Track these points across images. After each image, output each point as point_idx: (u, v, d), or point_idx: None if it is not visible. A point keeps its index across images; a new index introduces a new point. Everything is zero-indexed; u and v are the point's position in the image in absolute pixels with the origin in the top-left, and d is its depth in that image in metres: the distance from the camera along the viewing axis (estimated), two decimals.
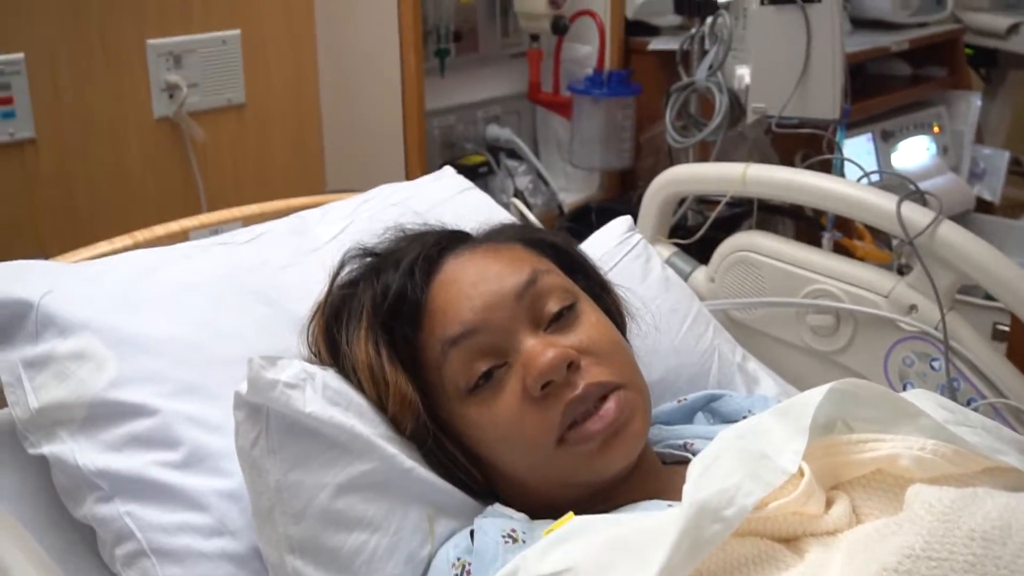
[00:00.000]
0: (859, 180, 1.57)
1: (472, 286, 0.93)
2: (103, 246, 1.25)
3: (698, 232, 1.69)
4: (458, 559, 0.86)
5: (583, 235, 1.34)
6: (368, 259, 1.02)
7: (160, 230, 1.32)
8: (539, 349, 0.89)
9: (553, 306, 0.93)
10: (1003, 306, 1.33)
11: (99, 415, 0.97)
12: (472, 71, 2.33)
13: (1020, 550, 0.66)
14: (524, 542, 0.85)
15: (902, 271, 1.48)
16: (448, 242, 1.00)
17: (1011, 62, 2.83)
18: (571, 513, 0.84)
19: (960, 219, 2.23)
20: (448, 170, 1.45)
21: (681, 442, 1.03)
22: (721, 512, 0.70)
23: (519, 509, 0.91)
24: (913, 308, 1.38)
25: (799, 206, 1.83)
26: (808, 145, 2.00)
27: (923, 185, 1.50)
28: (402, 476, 0.89)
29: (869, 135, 2.48)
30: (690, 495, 0.72)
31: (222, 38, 2.04)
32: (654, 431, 1.04)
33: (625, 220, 1.37)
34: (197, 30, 2.00)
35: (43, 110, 1.82)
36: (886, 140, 2.51)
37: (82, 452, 0.96)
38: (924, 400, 0.84)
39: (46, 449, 0.98)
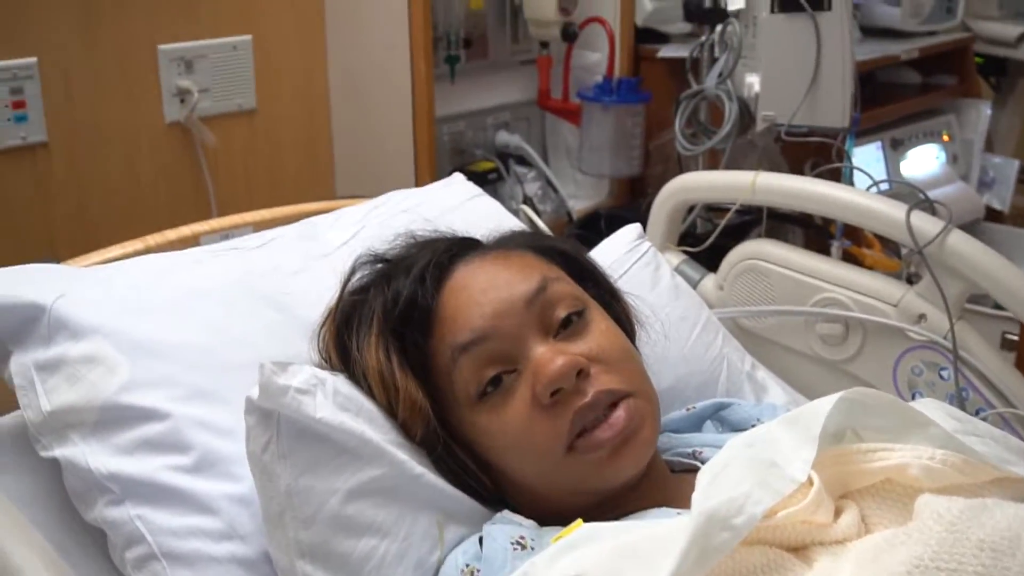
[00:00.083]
0: (868, 189, 1.57)
1: (482, 293, 0.93)
2: (115, 250, 1.25)
3: (707, 240, 1.69)
4: (467, 565, 0.87)
5: (592, 242, 1.34)
6: (379, 265, 1.02)
7: (172, 234, 1.32)
8: (549, 356, 0.89)
9: (563, 313, 0.93)
10: (1012, 315, 1.33)
11: (110, 419, 0.97)
12: (482, 77, 2.34)
13: None
14: (533, 549, 0.85)
15: (911, 280, 1.48)
16: (458, 249, 1.00)
17: (1021, 71, 2.84)
18: (580, 520, 0.84)
19: (969, 228, 2.24)
20: (458, 177, 1.45)
21: (690, 450, 1.03)
22: (730, 520, 0.70)
23: (528, 516, 0.92)
24: (922, 317, 1.38)
25: (808, 214, 1.84)
26: (817, 153, 2.00)
27: (932, 194, 1.50)
28: (412, 482, 0.90)
29: (879, 143, 2.48)
30: (699, 503, 0.72)
31: (233, 44, 2.05)
32: (663, 439, 1.04)
33: (635, 228, 1.37)
34: (208, 35, 2.01)
35: (55, 114, 1.83)
36: (895, 148, 2.52)
37: (93, 455, 0.96)
38: (933, 410, 0.84)
39: (58, 452, 0.98)
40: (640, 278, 1.28)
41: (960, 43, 2.71)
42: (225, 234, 1.34)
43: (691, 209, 1.80)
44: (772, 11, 1.83)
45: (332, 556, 0.86)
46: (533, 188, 2.32)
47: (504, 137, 2.37)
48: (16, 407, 1.02)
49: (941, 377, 1.36)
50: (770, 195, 1.54)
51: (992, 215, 2.63)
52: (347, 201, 1.45)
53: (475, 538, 0.89)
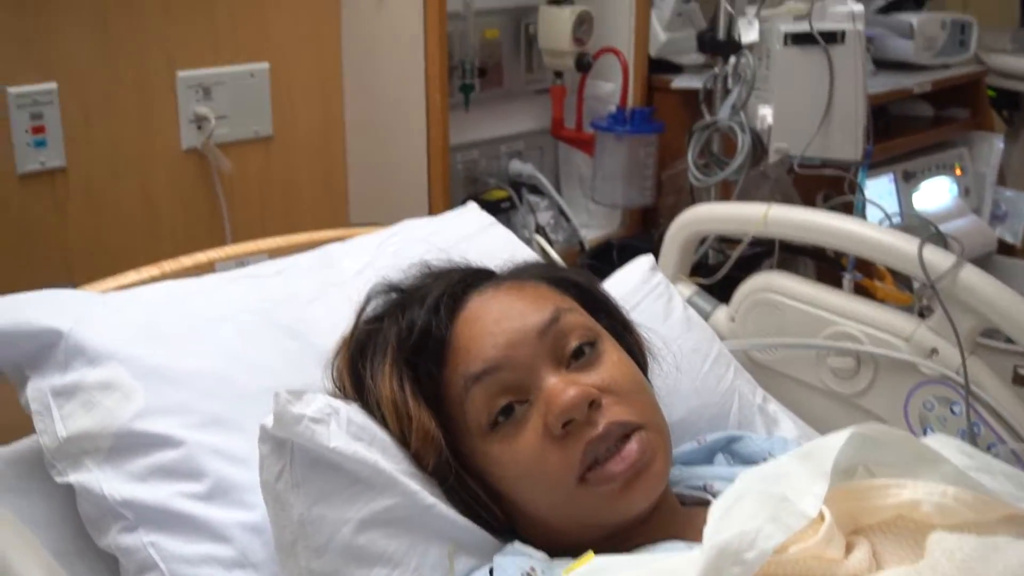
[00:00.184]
0: (880, 222, 1.58)
1: (495, 323, 0.94)
2: (131, 275, 1.26)
3: (719, 271, 1.69)
4: None
5: (604, 271, 1.34)
6: (393, 295, 1.03)
7: (187, 261, 1.33)
8: (561, 387, 0.89)
9: (575, 344, 0.93)
10: None
11: (125, 445, 0.98)
12: (496, 106, 2.35)
13: None
14: None
15: (923, 314, 1.48)
16: (472, 279, 1.00)
17: None
18: (591, 552, 0.84)
19: (982, 261, 2.24)
20: (472, 206, 1.46)
21: (701, 483, 1.03)
22: (741, 555, 0.70)
23: (539, 547, 0.92)
24: (934, 352, 1.38)
25: (820, 247, 1.84)
26: (830, 185, 2.01)
27: (944, 227, 1.51)
28: (424, 512, 0.90)
29: (891, 176, 2.49)
30: (710, 536, 0.72)
31: (251, 71, 2.07)
32: (674, 472, 1.04)
33: (647, 259, 1.37)
34: (226, 63, 2.03)
35: (74, 140, 1.85)
36: (908, 181, 2.52)
37: (108, 482, 0.97)
38: (946, 446, 0.84)
39: (72, 478, 0.99)
40: (653, 310, 1.29)
41: (973, 76, 2.72)
42: (240, 261, 1.35)
43: (703, 240, 1.80)
44: (785, 44, 1.84)
45: None
46: (546, 217, 2.33)
47: (517, 166, 2.38)
48: (32, 432, 1.03)
49: (953, 412, 1.36)
50: (782, 228, 1.54)
51: (1004, 248, 2.63)
52: (361, 229, 1.46)
53: (485, 569, 0.89)
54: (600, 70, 2.32)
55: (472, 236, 1.36)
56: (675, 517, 0.95)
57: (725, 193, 2.08)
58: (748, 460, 1.09)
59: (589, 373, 0.93)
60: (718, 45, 2.06)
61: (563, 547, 0.91)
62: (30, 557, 0.88)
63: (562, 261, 1.59)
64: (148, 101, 1.94)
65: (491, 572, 0.88)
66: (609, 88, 2.35)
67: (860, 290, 1.75)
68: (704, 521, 0.75)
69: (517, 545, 0.92)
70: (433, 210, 2.06)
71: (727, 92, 2.00)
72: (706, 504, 0.84)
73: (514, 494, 0.93)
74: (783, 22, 1.86)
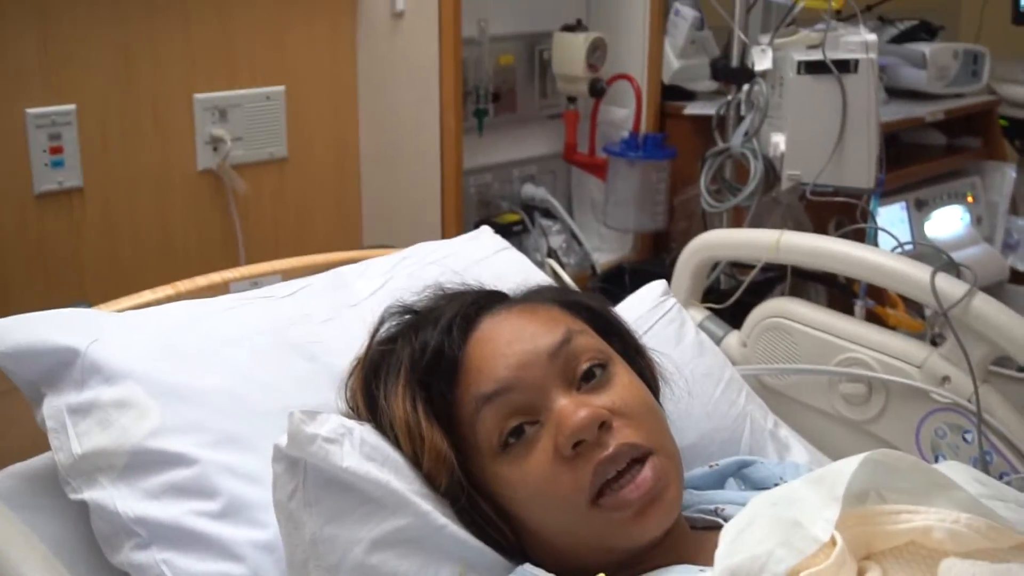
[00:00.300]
0: (893, 250, 1.58)
1: (507, 344, 0.94)
2: (146, 295, 1.27)
3: (731, 296, 1.70)
4: None
5: (616, 296, 1.35)
6: (407, 316, 1.03)
7: (202, 281, 1.34)
8: (571, 408, 0.90)
9: (586, 366, 0.94)
10: None
11: (139, 463, 0.99)
12: (509, 131, 2.36)
13: None
14: None
15: (935, 342, 1.48)
16: (485, 302, 1.01)
17: None
18: (601, 575, 0.84)
19: (994, 290, 2.23)
20: (486, 230, 1.47)
21: (712, 507, 1.02)
22: None
23: (549, 570, 0.91)
24: (946, 379, 1.38)
25: (832, 273, 1.84)
26: (842, 212, 2.01)
27: (957, 255, 1.50)
28: (436, 533, 0.90)
29: (903, 204, 2.49)
30: (722, 560, 0.72)
31: (267, 94, 2.09)
32: (685, 496, 1.04)
33: (660, 284, 1.37)
34: (243, 85, 2.05)
35: (91, 160, 1.87)
36: (920, 209, 2.52)
37: (122, 499, 0.97)
38: (958, 473, 0.84)
39: (87, 495, 0.99)
40: (665, 334, 1.29)
41: (985, 106, 2.73)
42: (254, 281, 1.36)
43: (715, 266, 1.80)
44: (799, 72, 1.85)
45: None
46: (558, 241, 2.34)
47: (530, 190, 2.39)
48: (47, 449, 1.04)
49: (965, 440, 1.35)
50: (794, 254, 1.54)
51: (1016, 277, 2.62)
52: (375, 251, 1.46)
53: None
54: (613, 96, 2.34)
55: (485, 259, 1.36)
56: (686, 541, 0.95)
57: (737, 219, 2.09)
58: (759, 485, 1.09)
59: (600, 395, 0.93)
60: (731, 73, 2.07)
61: (573, 570, 0.91)
62: (27, 552, 0.88)
63: (575, 285, 1.59)
64: (165, 122, 1.96)
65: None
66: (622, 114, 2.37)
67: (872, 317, 1.76)
68: (715, 545, 0.75)
69: (527, 567, 0.92)
70: (446, 233, 2.07)
71: (740, 119, 2.01)
72: (717, 528, 0.84)
73: (524, 515, 0.93)
74: (796, 51, 1.87)
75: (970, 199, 2.65)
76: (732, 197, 1.98)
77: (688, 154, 2.27)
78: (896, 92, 2.61)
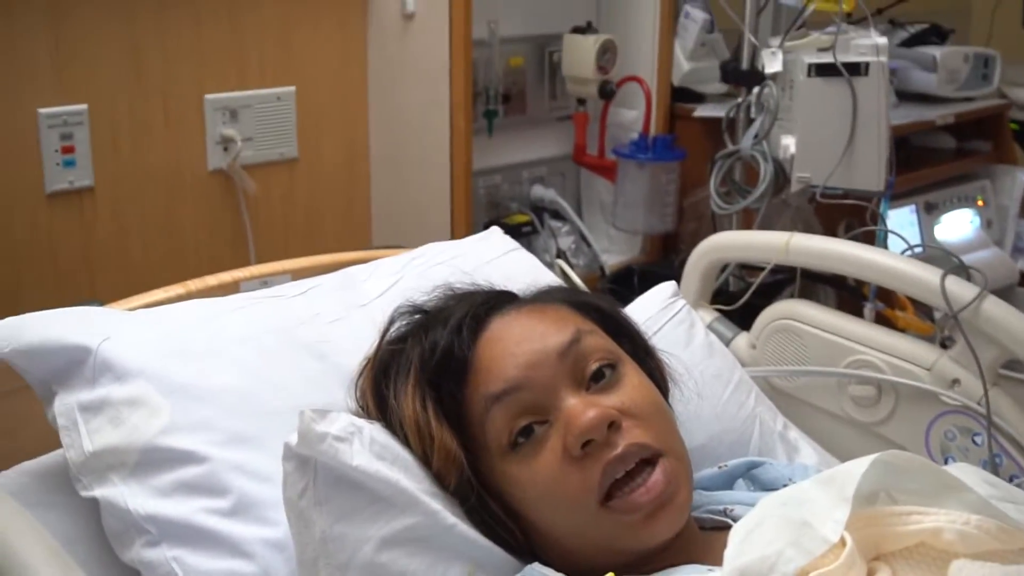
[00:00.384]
0: (903, 253, 1.57)
1: (516, 344, 0.94)
2: (157, 294, 1.27)
3: (740, 298, 1.70)
4: None
5: (625, 297, 1.35)
6: (417, 316, 1.04)
7: (212, 280, 1.34)
8: (580, 408, 0.90)
9: (595, 366, 0.94)
10: None
11: (150, 461, 0.99)
12: (519, 132, 2.37)
13: None
14: None
15: (945, 344, 1.48)
16: (495, 302, 1.01)
17: None
18: (611, 575, 0.84)
19: (1004, 293, 2.23)
20: (496, 231, 1.47)
21: (721, 507, 1.02)
22: None
23: (558, 570, 0.91)
24: (956, 382, 1.37)
25: (842, 275, 1.84)
26: (852, 215, 2.01)
27: (967, 258, 1.50)
28: (445, 532, 0.90)
29: (913, 207, 2.49)
30: (731, 560, 0.72)
31: (277, 94, 2.09)
32: (694, 496, 1.04)
33: (670, 285, 1.37)
34: (253, 86, 2.06)
35: (102, 160, 1.87)
36: (930, 212, 2.52)
37: (132, 496, 0.98)
38: (969, 475, 0.84)
39: (97, 492, 1.00)
40: (674, 336, 1.29)
41: (995, 109, 2.72)
42: (264, 280, 1.36)
43: (724, 267, 1.80)
44: (809, 75, 1.85)
45: None
46: (567, 242, 2.34)
47: (539, 191, 2.40)
48: (58, 446, 1.04)
49: (974, 443, 1.35)
50: (804, 256, 1.54)
51: None
52: (384, 251, 1.47)
53: None
54: (623, 98, 2.34)
55: (495, 260, 1.37)
56: (695, 541, 0.95)
57: (747, 221, 2.09)
58: (768, 486, 1.08)
59: (609, 395, 0.93)
60: (741, 75, 2.07)
61: (581, 570, 0.91)
62: (40, 548, 0.89)
63: (584, 286, 1.59)
64: (176, 123, 1.96)
65: None
66: (632, 116, 2.37)
67: (881, 319, 1.75)
68: (724, 545, 0.75)
69: (536, 567, 0.92)
70: (455, 234, 2.08)
71: (750, 121, 2.01)
72: (726, 529, 0.84)
73: (533, 515, 0.93)
74: (807, 53, 1.87)
75: (980, 203, 2.64)
76: (742, 199, 1.98)
77: (698, 156, 2.27)
78: (906, 95, 2.61)
